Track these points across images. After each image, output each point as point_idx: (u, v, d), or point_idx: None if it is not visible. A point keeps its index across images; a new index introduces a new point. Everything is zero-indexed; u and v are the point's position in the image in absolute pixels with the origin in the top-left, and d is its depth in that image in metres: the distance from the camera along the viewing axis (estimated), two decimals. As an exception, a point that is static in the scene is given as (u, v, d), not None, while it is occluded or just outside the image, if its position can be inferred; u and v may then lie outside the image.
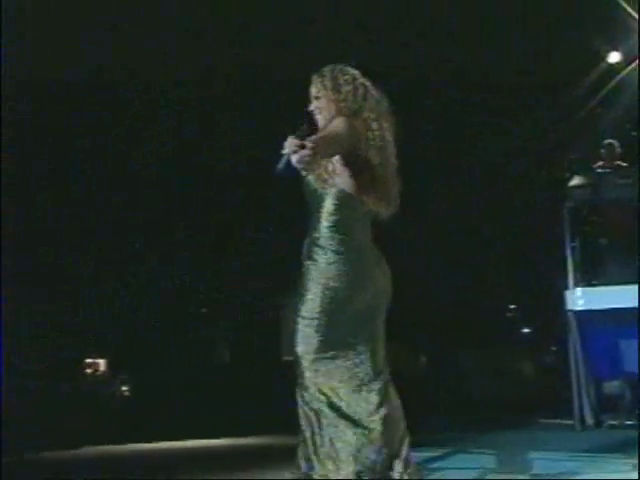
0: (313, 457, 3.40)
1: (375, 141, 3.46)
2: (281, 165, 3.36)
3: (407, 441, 3.52)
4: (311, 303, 3.40)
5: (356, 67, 3.62)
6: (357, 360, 3.42)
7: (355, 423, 3.38)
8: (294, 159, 3.14)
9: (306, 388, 3.41)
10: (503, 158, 12.87)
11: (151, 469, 6.23)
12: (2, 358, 7.52)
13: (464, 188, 13.48)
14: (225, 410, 10.38)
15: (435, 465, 5.60)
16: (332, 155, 3.42)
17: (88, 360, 14.52)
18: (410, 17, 10.83)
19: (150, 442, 8.49)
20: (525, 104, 12.32)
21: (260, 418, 9.21)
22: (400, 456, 3.46)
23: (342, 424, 3.38)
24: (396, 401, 3.52)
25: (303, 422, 3.44)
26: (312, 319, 3.39)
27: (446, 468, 5.47)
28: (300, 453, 3.47)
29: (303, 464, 3.44)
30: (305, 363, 3.40)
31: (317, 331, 3.38)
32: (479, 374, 15.49)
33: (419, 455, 6.06)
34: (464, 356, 16.47)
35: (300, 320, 3.41)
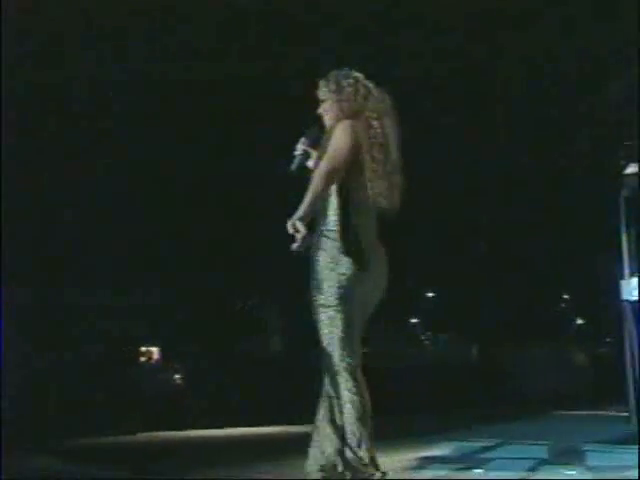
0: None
1: (377, 138, 3.69)
2: (293, 166, 3.77)
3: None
4: (329, 291, 3.58)
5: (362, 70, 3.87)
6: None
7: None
8: (295, 244, 3.46)
9: (335, 372, 3.58)
10: (556, 147, 12.68)
11: (203, 455, 6.31)
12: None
13: (519, 178, 13.34)
14: (277, 398, 10.44)
15: (487, 455, 5.57)
16: (341, 174, 3.63)
17: (142, 349, 14.75)
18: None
19: (202, 429, 8.60)
20: (579, 91, 12.12)
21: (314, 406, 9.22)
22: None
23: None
24: None
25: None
26: (330, 307, 3.58)
27: (498, 458, 5.44)
28: None
29: None
30: (332, 350, 3.59)
31: (338, 317, 3.57)
32: (531, 365, 15.35)
33: (472, 445, 6.06)
34: (516, 348, 16.33)
35: (321, 309, 3.60)
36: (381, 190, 3.66)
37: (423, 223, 12.89)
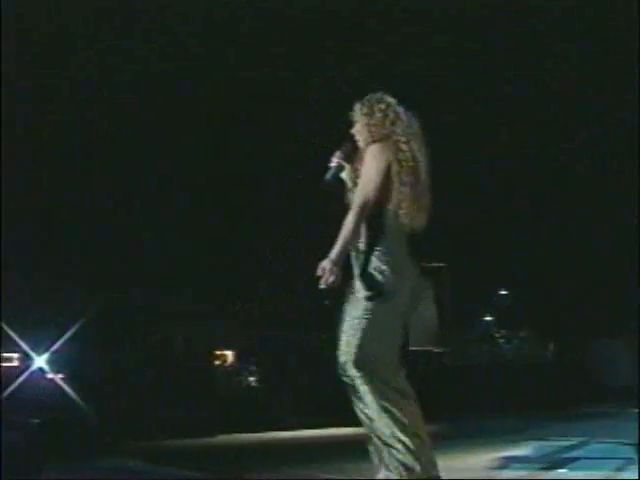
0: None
1: (407, 161, 3.87)
2: (329, 176, 3.99)
3: None
4: (369, 304, 3.80)
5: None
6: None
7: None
8: (323, 282, 3.74)
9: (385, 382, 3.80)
10: (622, 137, 12.42)
11: (281, 458, 6.34)
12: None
13: (595, 172, 13.09)
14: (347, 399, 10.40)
15: (571, 455, 5.45)
16: (372, 203, 3.83)
17: (217, 352, 14.90)
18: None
19: (279, 431, 8.65)
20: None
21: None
22: None
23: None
24: None
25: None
26: (364, 318, 3.80)
27: (582, 458, 5.32)
28: None
29: None
30: (380, 359, 3.83)
31: (374, 325, 3.79)
32: (611, 362, 15.01)
33: (554, 444, 5.94)
34: (594, 344, 16.00)
35: (357, 322, 3.82)
36: (408, 212, 3.85)
37: (497, 219, 12.75)
